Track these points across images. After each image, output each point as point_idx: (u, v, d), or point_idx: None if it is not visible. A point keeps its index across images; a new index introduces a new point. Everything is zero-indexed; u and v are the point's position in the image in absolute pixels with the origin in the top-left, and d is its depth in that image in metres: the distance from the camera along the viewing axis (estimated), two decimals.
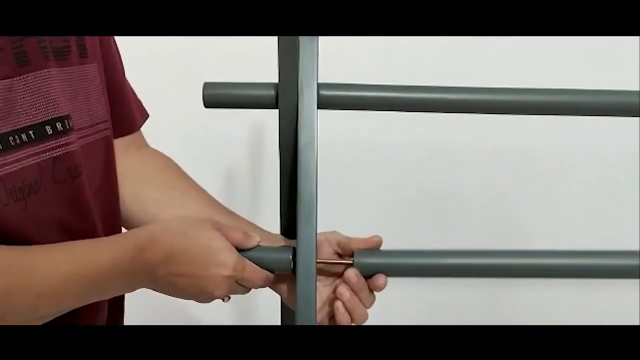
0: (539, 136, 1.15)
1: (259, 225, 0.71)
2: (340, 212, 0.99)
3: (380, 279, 0.64)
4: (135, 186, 0.71)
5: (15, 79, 0.53)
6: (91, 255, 0.56)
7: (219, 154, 1.18)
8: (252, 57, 0.99)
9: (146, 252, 0.57)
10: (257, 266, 0.62)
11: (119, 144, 0.71)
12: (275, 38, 0.61)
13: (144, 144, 0.76)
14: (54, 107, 0.56)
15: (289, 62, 0.62)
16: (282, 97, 0.64)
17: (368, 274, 0.64)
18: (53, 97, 0.56)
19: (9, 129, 0.53)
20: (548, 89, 0.68)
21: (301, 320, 0.61)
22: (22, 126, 0.54)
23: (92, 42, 0.64)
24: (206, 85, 0.65)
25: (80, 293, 0.57)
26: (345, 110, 0.67)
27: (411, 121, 0.95)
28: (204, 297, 0.60)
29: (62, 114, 0.57)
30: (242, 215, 0.72)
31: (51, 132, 0.56)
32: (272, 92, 0.65)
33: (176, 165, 0.76)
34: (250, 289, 0.63)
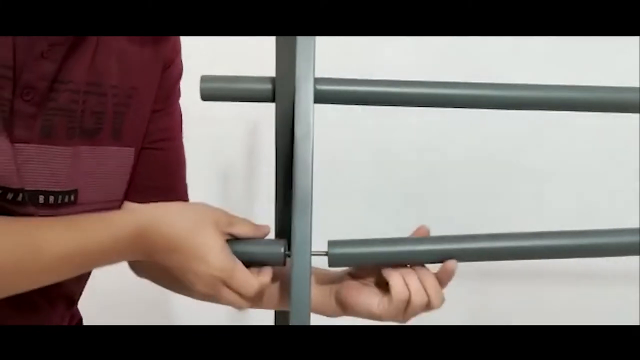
0: (532, 135, 1.16)
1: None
2: (330, 208, 0.98)
3: (450, 264, 0.64)
4: None
5: (32, 145, 0.57)
6: (85, 253, 0.58)
7: (213, 154, 1.17)
8: (246, 53, 0.99)
9: (140, 245, 0.60)
10: (248, 272, 0.61)
11: None
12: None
13: None
14: (56, 181, 0.60)
15: (286, 56, 0.63)
16: (279, 90, 0.64)
17: (341, 264, 0.65)
18: (59, 172, 0.60)
19: (4, 184, 0.56)
20: (547, 85, 0.68)
21: (295, 317, 0.60)
22: (16, 187, 0.57)
23: (132, 127, 0.65)
24: (203, 79, 0.65)
25: (67, 276, 0.60)
26: (341, 105, 0.67)
27: (401, 117, 0.95)
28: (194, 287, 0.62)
29: (64, 189, 0.60)
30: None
31: (43, 201, 0.59)
32: (269, 86, 0.65)
33: None
34: (245, 304, 0.63)
